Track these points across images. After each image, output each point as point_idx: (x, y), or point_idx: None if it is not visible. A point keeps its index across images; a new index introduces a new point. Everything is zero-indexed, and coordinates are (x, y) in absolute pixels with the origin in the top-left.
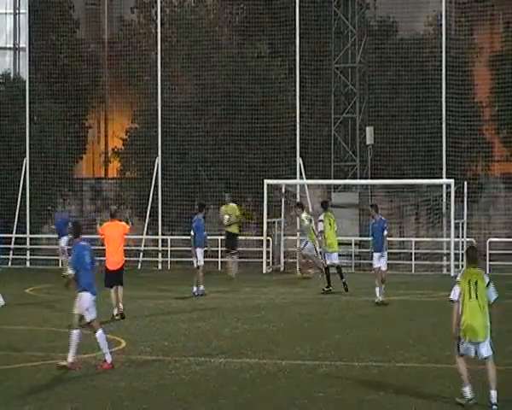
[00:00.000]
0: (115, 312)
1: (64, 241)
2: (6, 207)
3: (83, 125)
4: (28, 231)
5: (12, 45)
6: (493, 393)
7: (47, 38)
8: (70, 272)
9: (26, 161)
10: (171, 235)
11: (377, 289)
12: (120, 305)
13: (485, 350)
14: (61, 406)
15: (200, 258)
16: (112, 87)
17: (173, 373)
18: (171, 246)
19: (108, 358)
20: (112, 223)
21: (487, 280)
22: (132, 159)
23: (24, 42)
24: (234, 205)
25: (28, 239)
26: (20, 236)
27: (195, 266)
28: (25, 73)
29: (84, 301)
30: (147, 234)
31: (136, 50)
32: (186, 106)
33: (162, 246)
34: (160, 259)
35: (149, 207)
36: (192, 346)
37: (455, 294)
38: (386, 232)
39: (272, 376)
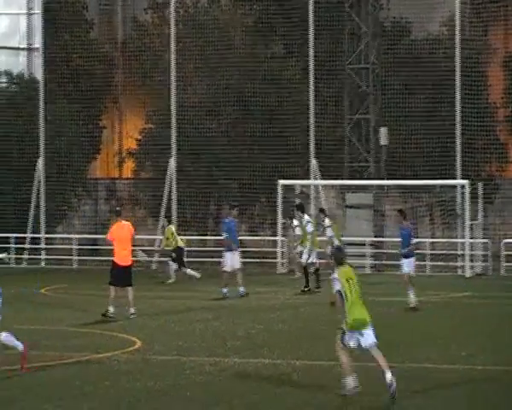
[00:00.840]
0: (111, 309)
1: None
2: (21, 207)
3: (97, 126)
4: (43, 231)
5: (26, 46)
6: (388, 375)
7: (61, 38)
8: None
9: (41, 161)
10: (185, 235)
11: (411, 294)
12: (132, 309)
13: (372, 338)
14: (77, 405)
15: (232, 260)
16: (126, 88)
17: (188, 373)
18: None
19: None
20: (119, 224)
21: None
22: (146, 159)
23: (38, 42)
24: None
25: (43, 239)
26: (35, 235)
27: (237, 267)
28: (39, 74)
29: None
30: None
31: (150, 51)
32: (200, 106)
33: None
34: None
35: (164, 208)
36: (207, 346)
37: (337, 285)
38: (414, 241)
39: (287, 376)
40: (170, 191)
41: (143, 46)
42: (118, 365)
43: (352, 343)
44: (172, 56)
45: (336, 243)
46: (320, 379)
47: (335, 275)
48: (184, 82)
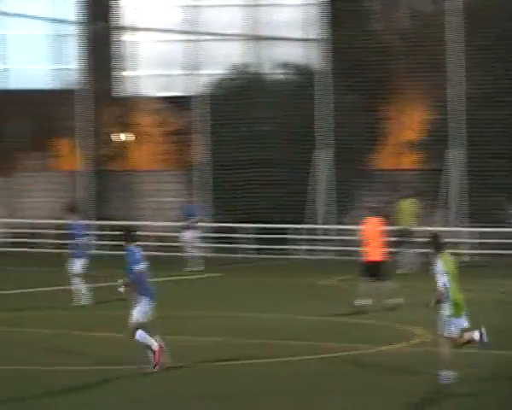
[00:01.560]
0: (362, 302)
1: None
2: (298, 198)
3: (377, 117)
4: (331, 222)
5: (305, 37)
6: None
7: (341, 29)
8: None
9: (323, 152)
10: (472, 227)
11: None
12: (387, 300)
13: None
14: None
15: None
16: (407, 78)
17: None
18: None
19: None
20: (369, 220)
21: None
22: (429, 150)
23: (316, 33)
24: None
25: (333, 230)
26: (314, 226)
27: None
28: (317, 65)
29: (146, 306)
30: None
31: (431, 41)
32: (478, 97)
33: (466, 238)
34: (467, 251)
35: (446, 200)
36: None
37: (444, 281)
38: None
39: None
40: (452, 182)
41: (424, 36)
42: (401, 358)
43: (454, 331)
44: (457, 47)
45: None
46: None
47: (441, 266)
48: (465, 72)
